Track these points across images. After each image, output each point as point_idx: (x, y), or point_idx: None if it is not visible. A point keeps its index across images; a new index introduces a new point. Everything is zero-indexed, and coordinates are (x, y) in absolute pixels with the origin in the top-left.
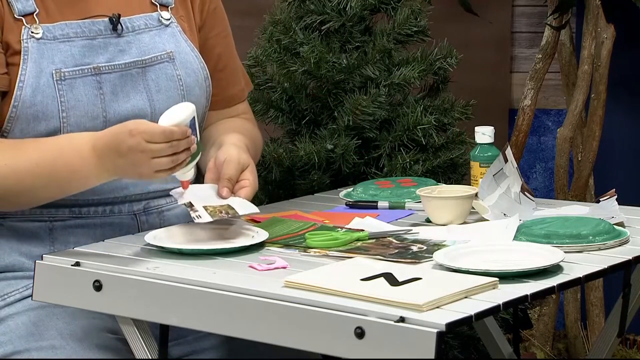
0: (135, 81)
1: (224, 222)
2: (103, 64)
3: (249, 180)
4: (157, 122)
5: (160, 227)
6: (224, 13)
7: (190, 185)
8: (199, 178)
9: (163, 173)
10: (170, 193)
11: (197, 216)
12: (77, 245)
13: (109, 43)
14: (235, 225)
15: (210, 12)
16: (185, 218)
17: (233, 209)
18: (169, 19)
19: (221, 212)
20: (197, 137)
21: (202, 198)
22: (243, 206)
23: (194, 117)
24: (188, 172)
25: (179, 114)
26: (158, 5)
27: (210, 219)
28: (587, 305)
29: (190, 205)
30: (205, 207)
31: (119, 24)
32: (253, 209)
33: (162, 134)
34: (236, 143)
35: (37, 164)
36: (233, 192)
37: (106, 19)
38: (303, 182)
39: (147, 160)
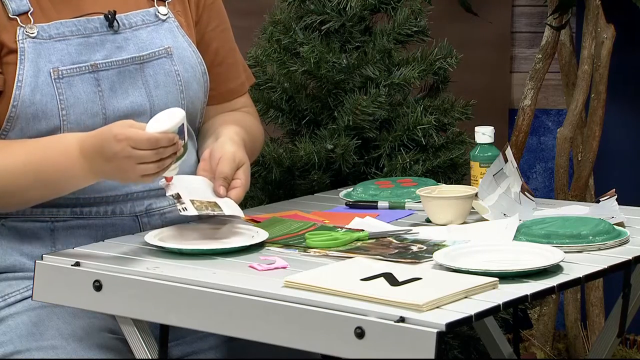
0: (133, 77)
1: (224, 222)
2: (100, 61)
3: (241, 181)
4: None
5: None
6: (222, 7)
7: (180, 176)
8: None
9: (149, 177)
10: (159, 183)
11: (183, 208)
12: (77, 247)
13: (106, 40)
14: (235, 225)
15: (206, 6)
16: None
17: (219, 207)
18: (166, 14)
19: (207, 208)
20: (184, 140)
21: (190, 191)
22: (230, 207)
23: (182, 123)
24: (173, 171)
25: (167, 122)
26: (155, 0)
27: (196, 213)
28: (587, 305)
29: (178, 196)
30: (192, 201)
31: (115, 21)
32: (239, 212)
33: (148, 141)
34: (233, 138)
35: (25, 163)
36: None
37: (101, 17)
38: (303, 182)
39: (132, 166)
